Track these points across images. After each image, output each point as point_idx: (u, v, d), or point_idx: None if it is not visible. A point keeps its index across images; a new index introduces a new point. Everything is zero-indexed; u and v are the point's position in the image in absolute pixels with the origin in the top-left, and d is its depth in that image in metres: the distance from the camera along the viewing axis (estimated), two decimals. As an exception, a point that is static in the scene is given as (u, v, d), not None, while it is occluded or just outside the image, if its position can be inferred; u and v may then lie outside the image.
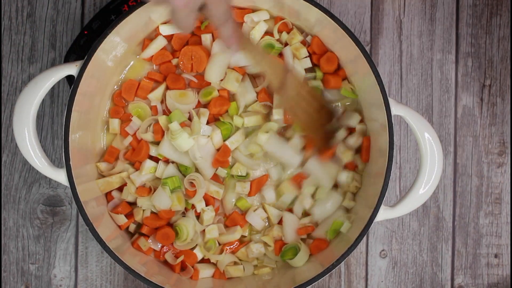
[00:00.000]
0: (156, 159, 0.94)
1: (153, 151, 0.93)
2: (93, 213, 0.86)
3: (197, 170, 0.94)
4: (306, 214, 0.95)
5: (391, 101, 0.84)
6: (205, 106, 0.94)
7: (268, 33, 0.95)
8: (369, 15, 1.03)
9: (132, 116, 0.94)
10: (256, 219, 0.94)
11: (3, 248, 1.01)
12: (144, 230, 0.93)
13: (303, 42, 0.94)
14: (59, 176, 0.85)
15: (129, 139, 0.94)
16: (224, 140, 0.93)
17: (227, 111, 0.94)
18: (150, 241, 0.92)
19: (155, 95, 0.94)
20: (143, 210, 0.93)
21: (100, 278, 1.01)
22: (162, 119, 0.92)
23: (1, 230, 1.01)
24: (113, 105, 0.95)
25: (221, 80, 0.94)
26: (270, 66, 0.84)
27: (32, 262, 1.01)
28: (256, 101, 0.94)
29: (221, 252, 0.95)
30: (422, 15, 1.04)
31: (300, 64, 0.93)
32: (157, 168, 0.93)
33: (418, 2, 1.04)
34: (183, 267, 0.94)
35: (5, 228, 1.01)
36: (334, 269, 0.84)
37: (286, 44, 0.95)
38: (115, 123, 0.94)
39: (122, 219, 0.93)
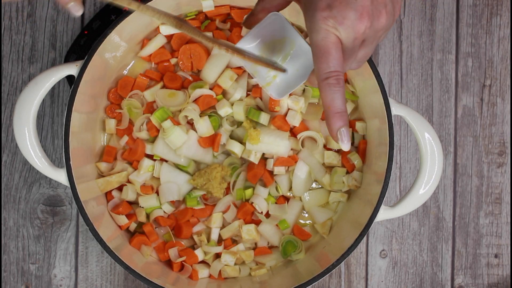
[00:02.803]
0: (153, 157, 0.94)
1: (149, 150, 0.94)
2: (93, 213, 0.86)
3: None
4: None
5: (391, 101, 0.84)
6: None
7: None
8: (369, 15, 1.03)
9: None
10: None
11: (3, 248, 1.01)
12: (147, 229, 0.93)
13: None
14: (59, 176, 0.85)
15: (125, 138, 0.95)
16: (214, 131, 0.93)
17: (214, 108, 0.94)
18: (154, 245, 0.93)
19: (151, 93, 0.94)
20: (153, 210, 0.93)
21: (100, 278, 1.01)
22: (154, 118, 0.92)
23: (1, 230, 1.01)
24: (109, 103, 0.95)
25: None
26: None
27: (32, 262, 1.01)
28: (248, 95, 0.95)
29: (216, 258, 0.95)
30: (422, 15, 1.04)
31: None
32: (155, 167, 0.93)
33: (418, 2, 1.04)
34: (181, 267, 0.94)
35: (5, 228, 1.01)
36: (334, 269, 0.84)
37: None
38: (111, 123, 0.95)
39: (123, 220, 0.93)
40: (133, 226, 0.95)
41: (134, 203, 0.95)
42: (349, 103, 0.95)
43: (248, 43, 0.76)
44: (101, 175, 0.94)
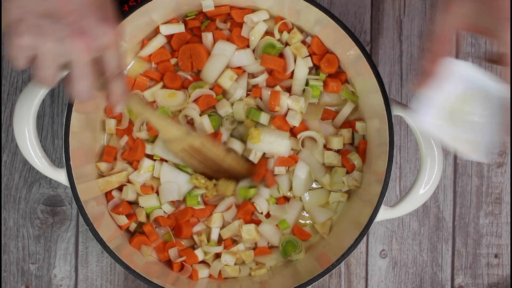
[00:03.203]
0: (153, 157, 0.94)
1: (149, 150, 0.94)
2: (93, 213, 0.86)
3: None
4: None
5: (391, 101, 0.84)
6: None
7: (268, 33, 0.95)
8: (369, 15, 1.03)
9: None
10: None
11: (3, 248, 1.01)
12: (147, 229, 0.93)
13: (303, 42, 0.94)
14: (59, 176, 0.85)
15: (125, 138, 0.94)
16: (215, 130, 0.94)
17: (214, 108, 0.94)
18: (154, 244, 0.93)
19: (151, 93, 0.94)
20: (153, 210, 0.93)
21: (101, 278, 1.01)
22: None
23: (1, 230, 1.01)
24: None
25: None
26: (160, 124, 0.86)
27: (32, 262, 1.01)
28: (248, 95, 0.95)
29: (216, 258, 0.95)
30: (422, 15, 1.04)
31: (304, 62, 0.93)
32: (155, 167, 0.93)
33: (418, 2, 1.04)
34: (181, 267, 0.94)
35: (5, 228, 1.01)
36: (334, 269, 0.84)
37: (286, 44, 0.95)
38: (111, 123, 0.94)
39: (123, 220, 0.93)
40: (133, 226, 0.95)
41: (134, 203, 0.95)
42: (349, 103, 0.95)
43: (435, 111, 0.64)
44: (101, 175, 0.94)
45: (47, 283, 1.01)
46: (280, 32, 0.94)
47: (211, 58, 0.93)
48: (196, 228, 0.95)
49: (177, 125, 0.88)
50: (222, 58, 0.93)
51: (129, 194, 0.92)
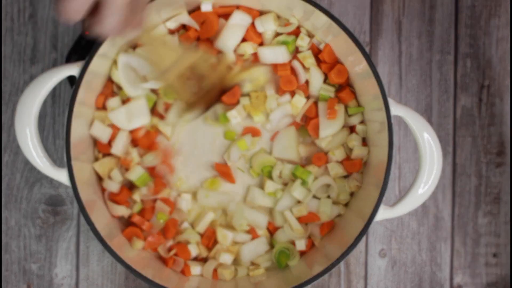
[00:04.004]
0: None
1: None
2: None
3: None
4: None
5: (390, 102, 0.85)
6: None
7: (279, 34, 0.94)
8: (369, 16, 1.04)
9: None
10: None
11: (5, 247, 1.02)
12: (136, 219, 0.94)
13: (314, 48, 0.94)
14: (61, 176, 0.85)
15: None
16: None
17: None
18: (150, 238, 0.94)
19: None
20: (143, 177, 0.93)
21: (101, 277, 1.02)
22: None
23: (2, 229, 1.02)
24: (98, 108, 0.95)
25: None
26: (159, 50, 0.83)
27: (33, 261, 1.02)
28: None
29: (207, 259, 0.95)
30: (421, 16, 1.04)
31: (318, 70, 0.93)
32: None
33: (417, 3, 1.04)
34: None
35: (7, 228, 1.02)
36: (333, 269, 0.85)
37: (297, 51, 0.95)
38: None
39: (121, 210, 0.92)
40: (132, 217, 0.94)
41: (132, 204, 0.95)
42: (358, 115, 0.94)
43: None
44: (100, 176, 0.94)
45: (49, 282, 1.02)
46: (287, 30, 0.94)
47: (228, 27, 0.92)
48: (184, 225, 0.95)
49: (175, 46, 0.86)
50: (240, 28, 0.92)
51: (116, 176, 0.92)
